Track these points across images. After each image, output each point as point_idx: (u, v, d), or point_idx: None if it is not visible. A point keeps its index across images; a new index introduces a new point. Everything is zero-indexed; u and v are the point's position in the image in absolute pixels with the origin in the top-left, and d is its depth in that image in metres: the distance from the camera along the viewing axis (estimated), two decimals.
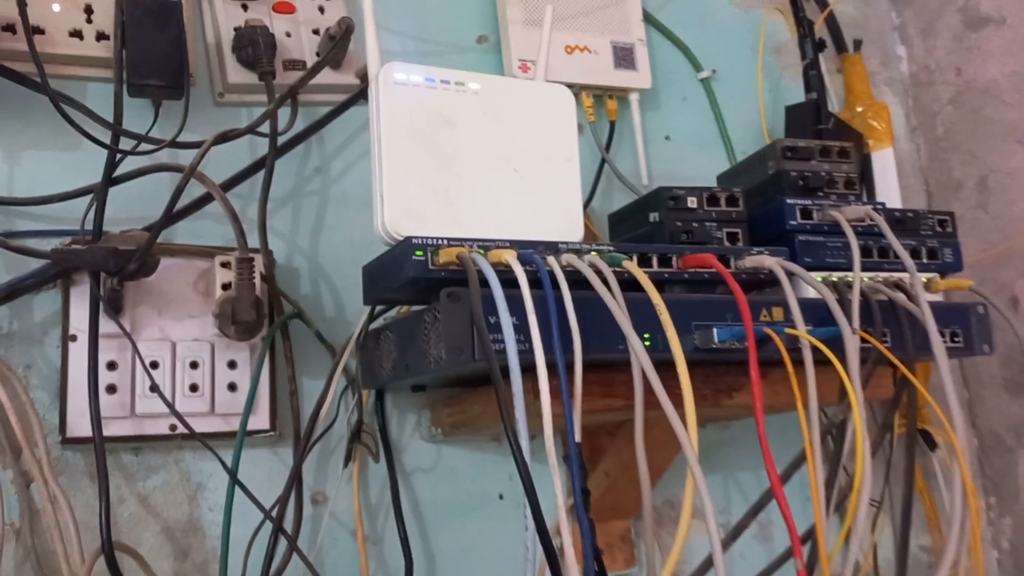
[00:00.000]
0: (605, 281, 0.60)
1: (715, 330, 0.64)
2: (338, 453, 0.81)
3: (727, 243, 0.74)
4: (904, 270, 0.77)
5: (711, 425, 0.96)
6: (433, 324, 0.61)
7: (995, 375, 1.11)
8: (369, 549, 0.81)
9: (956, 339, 0.77)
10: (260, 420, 0.76)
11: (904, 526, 0.66)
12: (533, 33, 0.95)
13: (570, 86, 0.97)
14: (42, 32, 0.75)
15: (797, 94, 1.12)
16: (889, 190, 1.12)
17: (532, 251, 0.60)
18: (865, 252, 0.77)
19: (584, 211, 0.94)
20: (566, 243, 0.64)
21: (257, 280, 0.74)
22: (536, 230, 0.67)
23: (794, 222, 0.75)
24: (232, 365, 0.76)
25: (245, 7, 0.84)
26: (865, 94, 1.15)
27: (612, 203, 0.98)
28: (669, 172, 1.04)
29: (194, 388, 0.74)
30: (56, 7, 0.76)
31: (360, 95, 0.86)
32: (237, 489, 0.72)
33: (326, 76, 0.84)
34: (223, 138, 0.75)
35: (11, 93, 0.75)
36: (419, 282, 0.60)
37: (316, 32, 0.86)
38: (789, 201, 0.76)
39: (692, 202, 0.74)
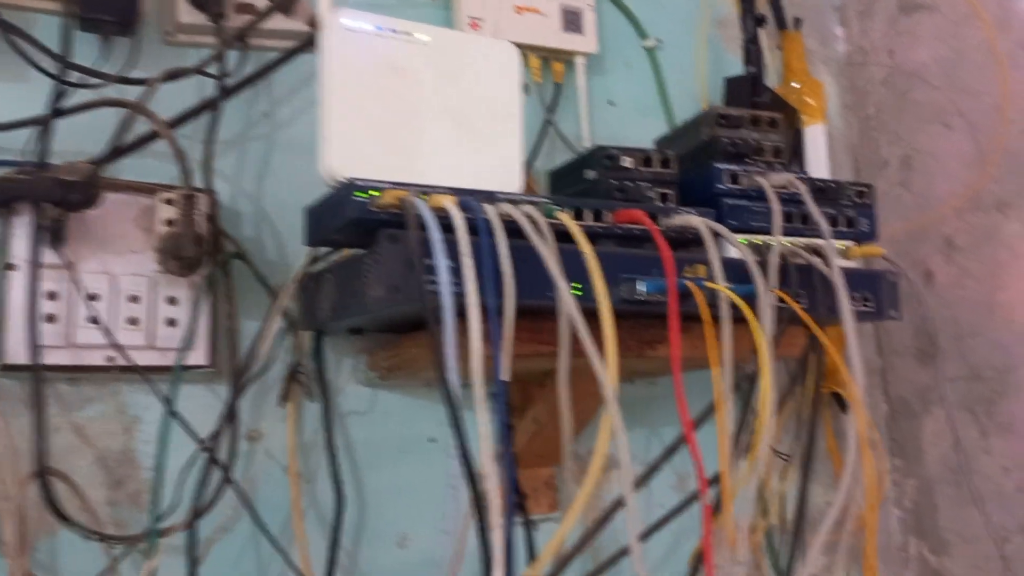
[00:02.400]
0: (539, 230, 0.63)
1: (640, 283, 0.68)
2: (275, 393, 0.83)
3: (659, 203, 0.77)
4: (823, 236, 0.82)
5: (638, 381, 1.00)
6: (372, 266, 0.63)
7: (908, 345, 1.17)
8: (302, 486, 0.84)
9: (868, 303, 0.82)
10: (198, 356, 0.78)
11: (803, 476, 0.70)
12: None
13: (518, 46, 1.01)
14: None
15: (738, 67, 1.15)
16: (819, 164, 1.17)
17: (471, 198, 0.62)
18: (787, 218, 0.81)
19: (528, 169, 0.98)
20: (504, 193, 0.66)
21: (200, 218, 0.75)
22: (476, 180, 0.69)
23: (722, 186, 0.79)
24: (172, 301, 0.77)
25: None
26: (801, 71, 1.19)
27: (555, 163, 1.01)
28: (611, 136, 1.07)
29: (133, 321, 0.76)
30: None
31: (310, 43, 0.87)
32: (173, 423, 0.73)
33: (277, 22, 0.85)
34: (171, 76, 0.76)
35: None
36: (359, 223, 0.62)
37: None
38: (718, 166, 0.79)
39: (627, 162, 0.77)
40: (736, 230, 0.78)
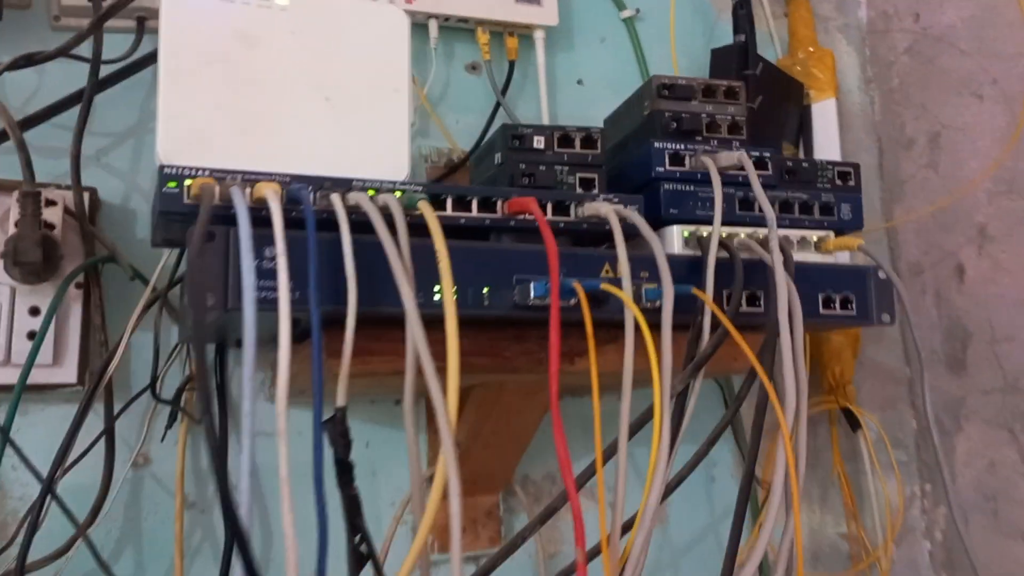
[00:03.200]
0: (391, 223, 0.51)
1: (533, 284, 0.56)
2: (163, 412, 0.74)
3: (580, 189, 0.65)
4: (802, 226, 0.69)
5: (567, 396, 0.87)
6: (195, 269, 0.53)
7: (936, 351, 1.01)
8: (196, 517, 0.75)
9: (848, 306, 0.68)
10: (67, 373, 0.70)
11: (739, 506, 0.57)
12: None
13: (465, 21, 0.90)
14: None
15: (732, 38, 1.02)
16: (829, 145, 1.02)
17: (302, 186, 0.52)
18: (743, 205, 0.68)
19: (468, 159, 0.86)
20: (367, 181, 0.56)
21: (58, 219, 0.67)
22: (352, 167, 0.59)
23: (661, 168, 0.67)
24: (35, 312, 0.69)
25: None
26: (808, 39, 1.05)
27: None
28: (579, 119, 0.95)
29: None
30: None
31: None
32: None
33: None
34: (27, 61, 0.68)
35: None
36: (172, 218, 0.52)
37: None
38: (656, 145, 0.67)
39: (539, 142, 0.65)
40: (679, 220, 0.66)
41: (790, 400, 0.55)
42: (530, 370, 0.63)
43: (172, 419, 0.74)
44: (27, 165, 0.63)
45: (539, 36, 0.93)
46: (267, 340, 0.50)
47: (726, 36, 1.01)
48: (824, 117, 1.02)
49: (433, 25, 0.88)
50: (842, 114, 1.05)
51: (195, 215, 0.51)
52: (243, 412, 0.46)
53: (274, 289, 0.48)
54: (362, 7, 0.63)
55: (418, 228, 0.53)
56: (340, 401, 0.50)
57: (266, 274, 0.51)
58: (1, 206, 0.69)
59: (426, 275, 0.53)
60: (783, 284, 0.57)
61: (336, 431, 0.50)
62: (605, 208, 0.59)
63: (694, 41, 1.04)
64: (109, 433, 0.70)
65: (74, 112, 0.71)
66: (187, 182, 0.52)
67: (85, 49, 0.71)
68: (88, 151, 0.76)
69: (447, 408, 0.46)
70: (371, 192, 0.54)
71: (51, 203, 0.68)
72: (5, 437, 0.62)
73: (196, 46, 0.58)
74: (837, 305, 0.67)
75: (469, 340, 0.59)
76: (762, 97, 0.94)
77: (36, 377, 0.68)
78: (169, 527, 0.74)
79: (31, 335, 0.68)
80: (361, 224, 0.52)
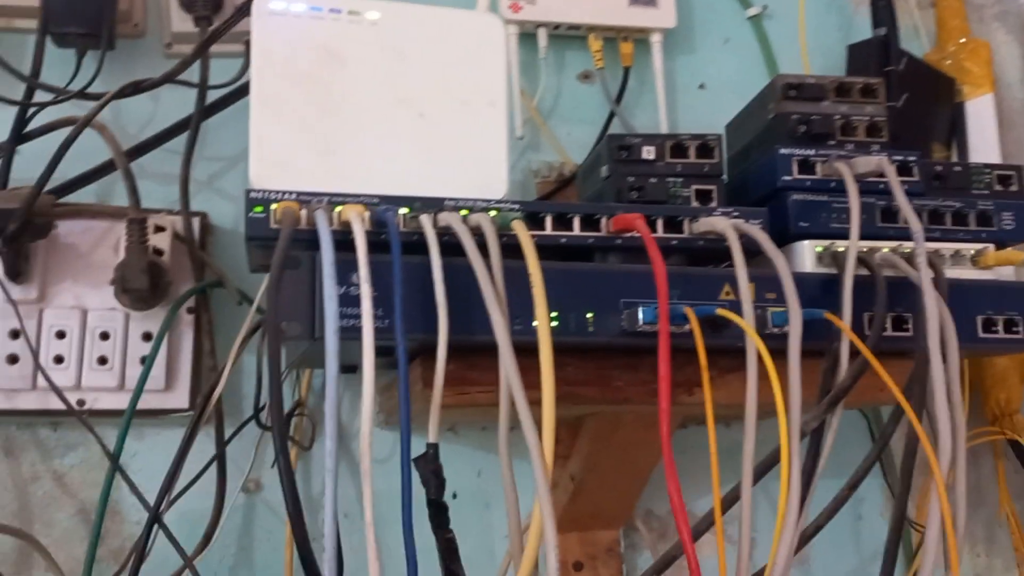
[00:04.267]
0: (483, 245, 0.48)
1: (641, 309, 0.51)
2: (268, 436, 0.73)
3: (696, 203, 0.60)
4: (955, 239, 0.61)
5: (692, 425, 0.80)
6: (282, 293, 0.51)
7: None
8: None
9: (1014, 329, 0.59)
10: (179, 398, 0.70)
11: (889, 552, 0.50)
12: None
13: (576, 28, 0.86)
14: None
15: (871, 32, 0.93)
16: (987, 146, 0.92)
17: (388, 208, 0.49)
18: (888, 217, 0.60)
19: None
20: (460, 200, 0.52)
21: (167, 244, 0.67)
22: (447, 186, 0.56)
23: (788, 177, 0.60)
24: (147, 337, 0.69)
25: None
26: (960, 30, 0.95)
27: None
28: (702, 126, 0.88)
29: (103, 361, 0.68)
30: None
31: None
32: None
33: None
34: (135, 88, 0.68)
35: None
36: (259, 243, 0.50)
37: None
38: (782, 151, 0.60)
39: (648, 152, 0.60)
40: (811, 235, 0.59)
41: (944, 441, 0.48)
42: (644, 401, 0.58)
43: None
44: (132, 192, 0.64)
45: (656, 40, 0.88)
46: (381, 365, 0.47)
47: (864, 31, 0.92)
48: (980, 115, 0.92)
49: (542, 34, 0.84)
50: (1001, 111, 0.94)
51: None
52: (327, 451, 0.43)
53: (359, 317, 0.45)
54: (455, 16, 0.60)
55: (516, 249, 0.49)
56: (431, 436, 0.47)
57: (352, 301, 0.48)
58: (113, 233, 0.70)
59: (525, 299, 0.49)
60: (933, 305, 0.50)
61: (428, 469, 0.46)
62: (722, 223, 0.53)
63: (828, 38, 0.95)
64: (220, 459, 0.69)
65: (184, 138, 0.71)
66: (272, 206, 0.50)
67: (193, 74, 0.71)
68: (200, 176, 0.76)
69: (542, 449, 0.42)
70: (464, 212, 0.50)
71: (160, 229, 0.69)
72: (115, 464, 0.62)
73: (285, 65, 0.56)
74: (1000, 328, 0.59)
75: (575, 368, 0.55)
76: (907, 95, 0.85)
77: (149, 402, 0.68)
78: (281, 554, 0.73)
79: (143, 360, 0.69)
80: (454, 246, 0.49)
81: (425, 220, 0.49)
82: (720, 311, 0.48)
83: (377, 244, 0.48)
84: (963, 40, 0.94)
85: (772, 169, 0.60)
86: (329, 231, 0.46)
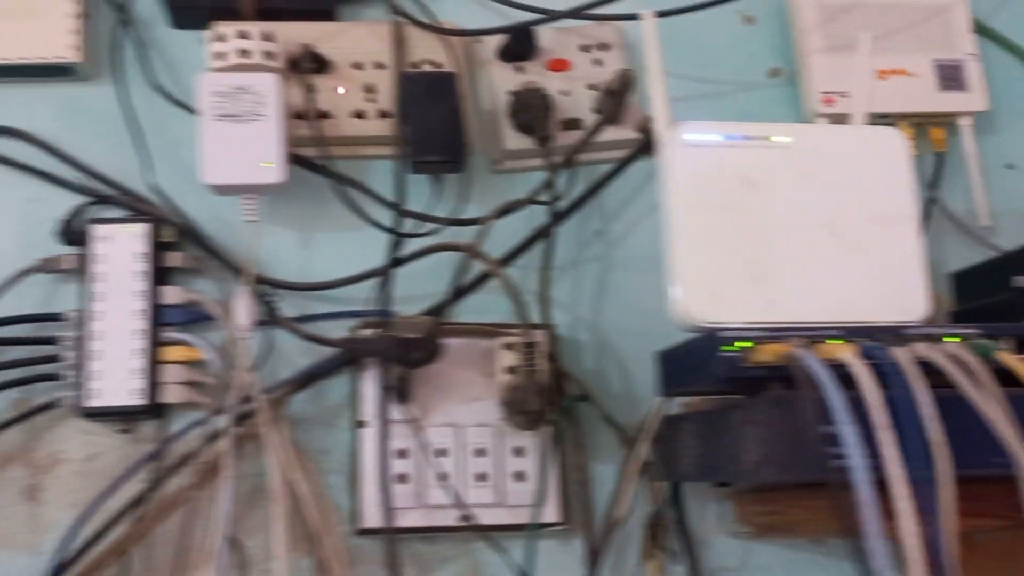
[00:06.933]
0: (974, 377, 0.47)
1: None
2: (631, 547, 0.73)
3: None
4: None
5: None
6: (746, 427, 0.51)
7: None
8: None
9: None
10: (550, 512, 0.71)
11: None
12: (837, 61, 0.83)
13: (884, 116, 0.85)
14: (329, 116, 0.76)
15: None
16: None
17: (876, 344, 0.48)
18: None
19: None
20: (911, 327, 0.52)
21: (542, 364, 0.69)
22: (867, 309, 0.56)
23: None
24: (519, 452, 0.71)
25: (519, 69, 0.81)
26: None
27: (944, 255, 0.83)
28: (1015, 208, 0.87)
29: (481, 477, 0.70)
30: (341, 90, 0.77)
31: (642, 150, 0.79)
32: None
33: (604, 132, 0.78)
34: (504, 211, 0.71)
35: (306, 179, 0.76)
36: (730, 381, 0.51)
37: (592, 87, 0.80)
38: None
39: None
40: None
41: None
42: None
43: (646, 554, 0.73)
44: (523, 317, 0.66)
45: (966, 123, 0.86)
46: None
47: None
48: None
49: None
50: None
51: (754, 378, 0.50)
52: None
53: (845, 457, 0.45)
54: (861, 133, 0.60)
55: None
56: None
57: (830, 440, 0.48)
58: (476, 349, 0.73)
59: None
60: None
61: None
62: None
63: None
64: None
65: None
66: (737, 344, 0.51)
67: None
68: (530, 285, 0.78)
69: None
70: (950, 339, 0.50)
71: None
72: None
73: (706, 195, 0.57)
74: None
75: None
76: None
77: (522, 516, 0.70)
78: None
79: (518, 476, 0.70)
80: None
81: (901, 353, 0.48)
82: None
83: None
84: None
85: None
86: (827, 371, 0.46)
